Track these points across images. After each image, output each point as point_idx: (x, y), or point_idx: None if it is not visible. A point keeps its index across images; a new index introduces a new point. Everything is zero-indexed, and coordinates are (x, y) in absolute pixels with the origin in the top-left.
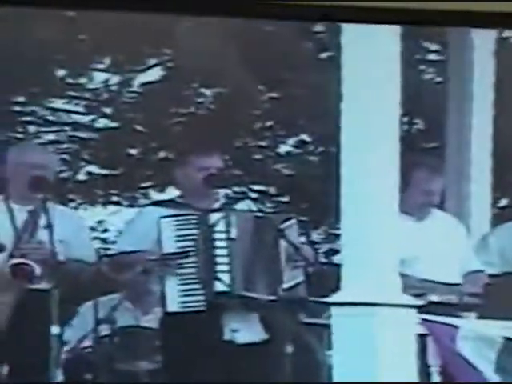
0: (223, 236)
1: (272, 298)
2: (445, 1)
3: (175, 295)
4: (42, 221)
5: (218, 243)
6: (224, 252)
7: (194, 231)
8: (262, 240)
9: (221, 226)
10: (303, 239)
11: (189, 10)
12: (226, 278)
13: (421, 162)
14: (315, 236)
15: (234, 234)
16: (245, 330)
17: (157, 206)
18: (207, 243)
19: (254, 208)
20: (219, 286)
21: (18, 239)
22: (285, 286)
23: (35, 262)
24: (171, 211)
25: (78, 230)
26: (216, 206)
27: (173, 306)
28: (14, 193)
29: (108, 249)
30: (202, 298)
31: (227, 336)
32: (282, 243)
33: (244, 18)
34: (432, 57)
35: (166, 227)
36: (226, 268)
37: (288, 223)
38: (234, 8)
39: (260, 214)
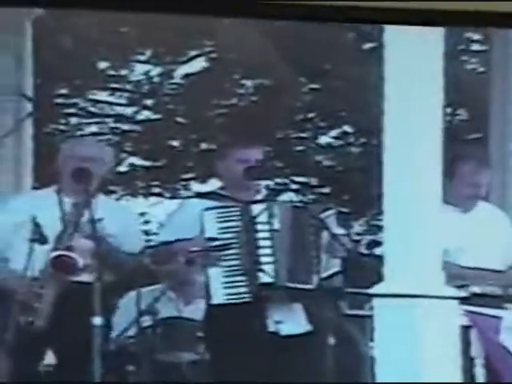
0: (266, 227)
1: (309, 287)
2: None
3: (219, 287)
4: (88, 213)
5: (260, 234)
6: (267, 243)
7: (237, 223)
8: (302, 230)
9: (263, 218)
10: (342, 230)
11: (190, 10)
12: (270, 269)
13: (467, 153)
14: (357, 227)
15: (276, 225)
16: (289, 322)
17: (199, 198)
18: (250, 235)
19: (296, 199)
20: (264, 278)
21: (62, 232)
22: (322, 275)
23: (79, 255)
24: (213, 203)
25: (129, 222)
26: (258, 197)
27: (217, 297)
28: (64, 185)
29: (150, 240)
30: (246, 289)
31: (272, 327)
32: (322, 233)
33: (244, 18)
34: (475, 47)
35: (208, 219)
36: (269, 259)
37: (327, 213)
38: (234, 8)
39: (300, 204)
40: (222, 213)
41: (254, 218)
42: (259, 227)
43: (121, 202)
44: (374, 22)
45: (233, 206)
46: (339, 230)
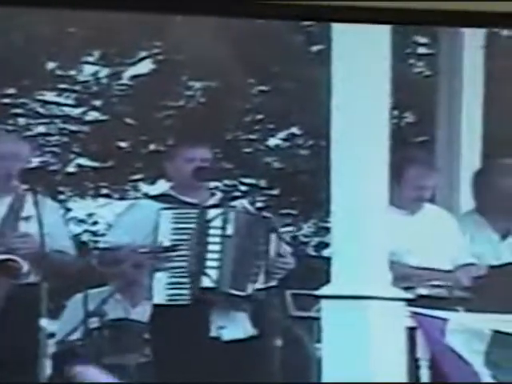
0: (218, 232)
1: (244, 294)
2: (435, 0)
3: (162, 288)
4: (24, 212)
5: (211, 239)
6: (216, 248)
7: (191, 225)
8: (255, 239)
9: (217, 222)
10: (289, 240)
11: (188, 10)
12: (213, 273)
13: (414, 157)
14: (305, 229)
15: (229, 231)
16: (231, 327)
17: (150, 199)
18: (201, 238)
19: (249, 206)
20: (206, 282)
21: (0, 233)
22: (258, 286)
23: (22, 256)
24: (166, 205)
25: (59, 220)
26: (210, 201)
27: (159, 298)
28: None
29: (98, 241)
30: (187, 292)
31: (214, 333)
32: (273, 244)
33: (244, 18)
34: (422, 50)
35: (164, 219)
36: (215, 264)
37: (286, 229)
38: (233, 8)
39: (257, 213)
40: (179, 213)
41: (209, 221)
42: (212, 231)
43: (47, 200)
44: (373, 22)
45: (191, 209)
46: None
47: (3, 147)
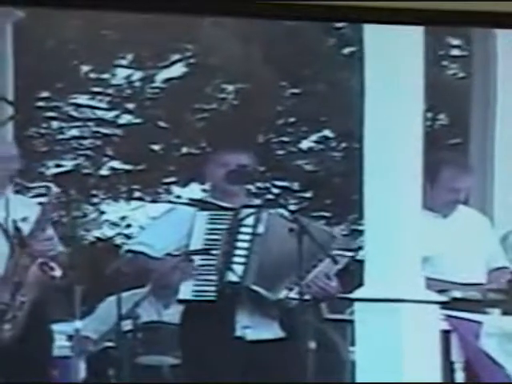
0: (249, 230)
1: (275, 297)
2: (467, 1)
3: (190, 284)
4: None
5: (241, 236)
6: (245, 245)
7: (225, 226)
8: (288, 240)
9: (249, 221)
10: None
11: (188, 10)
12: (239, 269)
13: (448, 159)
14: (337, 231)
15: (260, 229)
16: (257, 327)
17: (187, 205)
18: (232, 236)
19: (278, 208)
20: (231, 277)
21: (31, 235)
22: (291, 295)
23: (53, 259)
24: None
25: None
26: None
27: (185, 294)
28: None
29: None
30: (213, 288)
31: (238, 332)
32: (307, 246)
33: (243, 18)
34: (455, 52)
35: (200, 220)
36: (241, 260)
37: (319, 227)
38: (233, 8)
39: (290, 216)
40: (215, 215)
41: (241, 220)
42: (243, 229)
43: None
44: (373, 22)
45: (226, 211)
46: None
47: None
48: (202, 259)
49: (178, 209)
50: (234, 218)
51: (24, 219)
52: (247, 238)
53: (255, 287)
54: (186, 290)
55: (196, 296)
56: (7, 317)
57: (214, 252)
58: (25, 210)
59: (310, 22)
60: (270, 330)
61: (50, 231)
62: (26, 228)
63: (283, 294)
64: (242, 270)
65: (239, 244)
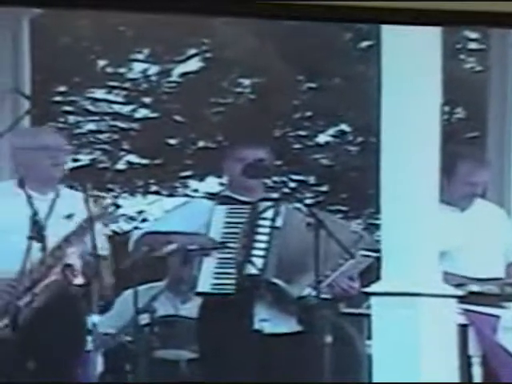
0: (268, 223)
1: (306, 292)
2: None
3: (208, 277)
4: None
5: (260, 229)
6: (264, 238)
7: (243, 219)
8: (306, 234)
9: (268, 214)
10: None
11: (188, 10)
12: (258, 262)
13: (465, 153)
14: (354, 226)
15: (279, 223)
16: (274, 321)
17: (205, 199)
18: (251, 229)
19: (294, 201)
20: (250, 269)
21: (67, 239)
22: (312, 292)
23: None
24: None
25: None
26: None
27: (204, 286)
28: (31, 179)
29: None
30: (232, 281)
31: (256, 325)
32: (326, 240)
33: (243, 18)
34: (473, 45)
35: (218, 214)
36: (261, 253)
37: (339, 222)
38: (233, 8)
39: (310, 210)
40: (233, 208)
41: (260, 213)
42: (261, 222)
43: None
44: (375, 22)
45: (244, 205)
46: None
47: (43, 140)
48: (221, 252)
49: (192, 202)
50: (252, 211)
51: (69, 216)
52: (266, 231)
53: (275, 280)
54: (205, 283)
55: (215, 289)
56: (15, 311)
57: (232, 245)
58: (73, 206)
59: (310, 22)
60: (288, 324)
61: (87, 239)
62: (70, 225)
63: (306, 291)
64: (262, 263)
65: (258, 237)
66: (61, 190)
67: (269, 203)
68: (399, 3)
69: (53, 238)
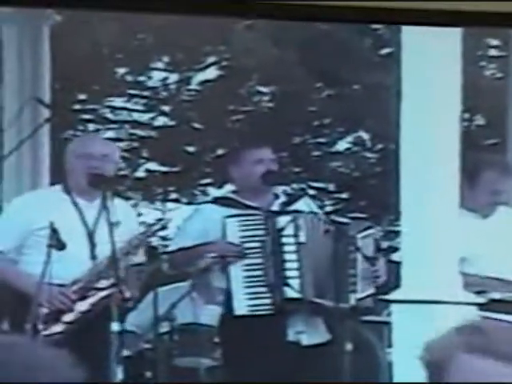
0: (292, 240)
1: (344, 307)
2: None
3: (242, 298)
4: (107, 218)
5: (286, 247)
6: (293, 257)
7: (260, 232)
8: (333, 246)
9: (289, 230)
10: (375, 249)
11: (188, 10)
12: (295, 283)
13: (489, 161)
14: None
15: (303, 238)
16: (310, 332)
17: (214, 203)
18: (275, 247)
19: (314, 206)
20: (289, 292)
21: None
22: (357, 296)
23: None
24: (228, 209)
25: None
26: (275, 204)
27: (241, 309)
28: (76, 186)
29: (167, 246)
30: (269, 301)
31: (292, 338)
32: (356, 253)
33: (243, 18)
34: (493, 52)
35: (231, 227)
36: (295, 273)
37: (365, 233)
38: (233, 8)
39: (330, 218)
40: (245, 221)
41: (281, 229)
42: (285, 240)
43: (130, 204)
44: (379, 22)
45: (255, 214)
46: (374, 253)
47: (96, 148)
48: (248, 269)
49: (203, 210)
50: (269, 224)
51: (116, 224)
52: (292, 248)
53: (318, 300)
54: (240, 305)
55: (253, 310)
56: (54, 319)
57: (257, 261)
58: (119, 214)
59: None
60: (322, 333)
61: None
62: (116, 233)
63: (352, 300)
64: (299, 285)
65: (286, 256)
66: (107, 199)
67: (288, 218)
68: (404, 4)
69: (99, 246)
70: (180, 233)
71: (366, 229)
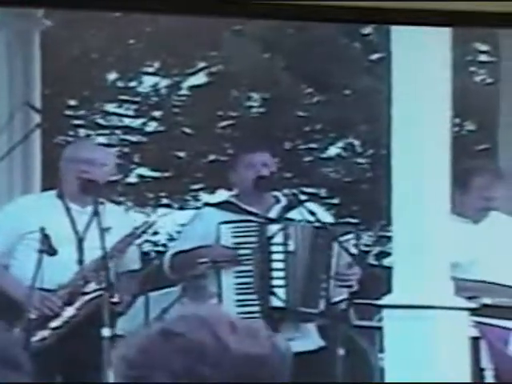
0: (280, 249)
1: (317, 311)
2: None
3: (231, 304)
4: (98, 223)
5: (274, 256)
6: (280, 265)
7: (252, 239)
8: (318, 254)
9: (279, 238)
10: (355, 251)
11: (187, 10)
12: (281, 292)
13: (480, 167)
14: (366, 238)
15: (291, 246)
16: (300, 339)
17: (214, 207)
18: (264, 254)
19: (308, 215)
20: (275, 301)
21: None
22: (331, 300)
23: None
24: (228, 214)
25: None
26: (272, 211)
27: None
28: (69, 192)
29: (159, 251)
30: (257, 308)
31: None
32: (337, 257)
33: (243, 18)
34: (483, 58)
35: (225, 233)
36: (281, 282)
37: (346, 237)
38: (232, 8)
39: (318, 225)
40: (239, 227)
41: (270, 237)
42: (274, 248)
43: (123, 209)
44: (374, 23)
45: (250, 221)
46: (355, 252)
47: (89, 154)
48: (237, 276)
49: (203, 215)
50: (261, 231)
51: (107, 229)
52: (280, 257)
53: (303, 309)
54: (229, 312)
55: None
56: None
57: (247, 269)
58: (111, 219)
59: (320, 34)
60: (314, 340)
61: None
62: (108, 239)
63: (323, 303)
64: (285, 294)
65: (274, 264)
66: (99, 204)
67: (277, 226)
68: (401, 3)
69: (89, 251)
70: (181, 237)
71: (346, 233)
